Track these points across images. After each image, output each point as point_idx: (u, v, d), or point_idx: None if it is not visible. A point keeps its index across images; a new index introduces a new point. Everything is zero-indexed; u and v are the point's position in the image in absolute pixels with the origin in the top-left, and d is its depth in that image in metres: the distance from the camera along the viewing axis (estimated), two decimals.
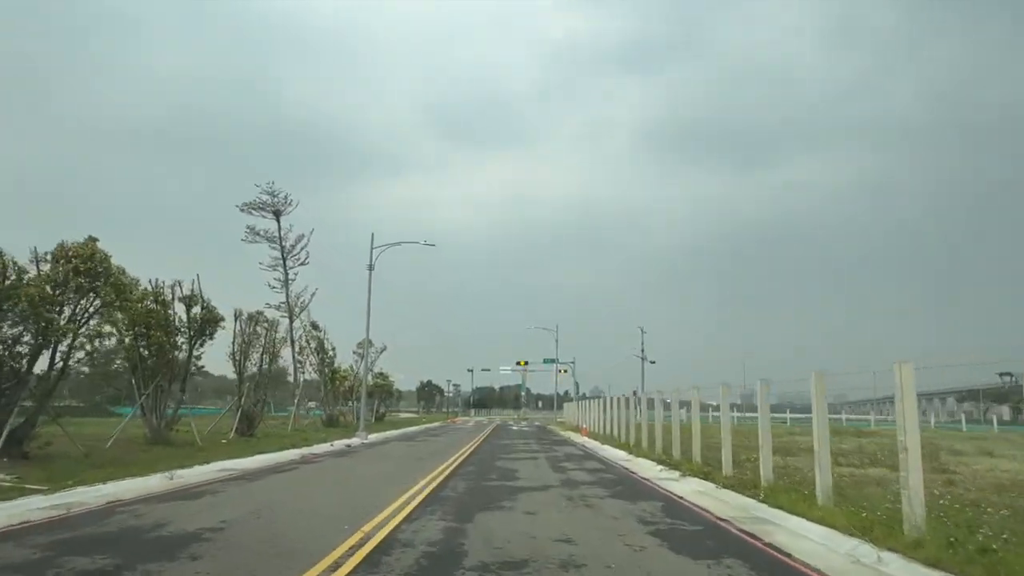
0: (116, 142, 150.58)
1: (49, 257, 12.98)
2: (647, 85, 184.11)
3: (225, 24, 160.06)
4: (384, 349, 45.26)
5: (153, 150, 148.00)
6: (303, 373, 36.48)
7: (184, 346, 17.56)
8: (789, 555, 6.24)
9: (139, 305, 15.64)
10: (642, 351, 63.82)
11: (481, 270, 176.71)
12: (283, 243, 33.72)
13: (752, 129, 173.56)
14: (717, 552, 6.31)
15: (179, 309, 17.46)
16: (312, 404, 41.08)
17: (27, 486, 9.44)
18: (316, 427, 31.91)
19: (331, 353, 36.60)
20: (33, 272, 12.73)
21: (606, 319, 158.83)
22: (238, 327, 22.14)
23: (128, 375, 18.28)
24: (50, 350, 12.86)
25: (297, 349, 33.81)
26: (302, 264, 34.20)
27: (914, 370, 6.72)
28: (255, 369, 23.47)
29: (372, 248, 28.60)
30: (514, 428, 44.39)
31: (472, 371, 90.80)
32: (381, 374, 46.53)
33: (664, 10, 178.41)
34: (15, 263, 12.49)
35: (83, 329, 13.42)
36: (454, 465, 15.30)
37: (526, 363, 77.88)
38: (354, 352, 39.66)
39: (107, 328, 14.65)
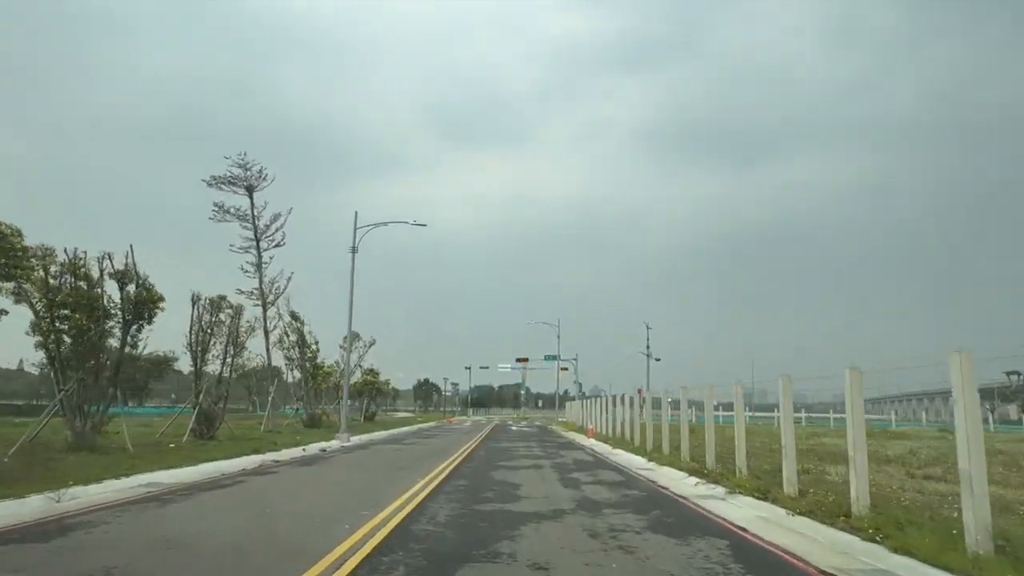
0: (117, 142, 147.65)
1: None
2: (647, 85, 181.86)
3: (225, 24, 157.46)
4: (373, 343, 42.27)
5: (156, 150, 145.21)
6: (290, 370, 33.76)
7: (117, 332, 14.58)
8: None
9: (38, 274, 12.61)
10: (647, 348, 61.01)
11: (481, 270, 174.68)
12: (256, 222, 30.16)
13: (752, 129, 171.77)
14: None
15: (112, 289, 14.50)
16: (301, 404, 38.12)
17: None
18: (296, 428, 29.03)
19: (314, 347, 33.63)
20: None
21: (606, 319, 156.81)
22: (196, 313, 19.18)
23: (47, 367, 15.30)
24: None
25: (273, 340, 30.74)
26: (277, 246, 30.60)
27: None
28: (219, 362, 20.57)
29: (355, 228, 25.71)
30: (514, 429, 41.63)
31: (470, 369, 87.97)
32: (371, 370, 43.46)
33: (664, 10, 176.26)
34: None
35: None
36: (441, 476, 12.49)
37: (526, 360, 75.18)
38: (340, 346, 36.79)
39: None
